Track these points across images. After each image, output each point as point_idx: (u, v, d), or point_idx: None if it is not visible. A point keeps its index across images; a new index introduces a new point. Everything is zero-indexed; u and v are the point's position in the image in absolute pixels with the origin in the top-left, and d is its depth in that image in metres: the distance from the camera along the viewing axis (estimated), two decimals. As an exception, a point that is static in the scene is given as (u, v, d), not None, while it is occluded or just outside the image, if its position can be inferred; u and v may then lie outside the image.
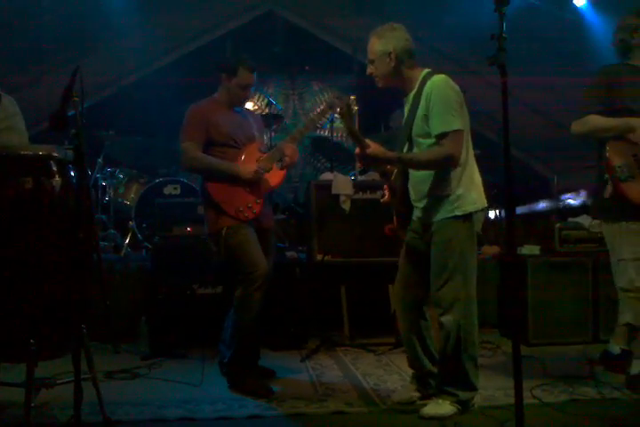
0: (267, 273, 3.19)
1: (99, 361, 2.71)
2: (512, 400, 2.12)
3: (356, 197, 4.37)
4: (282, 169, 3.37)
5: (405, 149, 2.91)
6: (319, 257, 4.25)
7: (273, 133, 5.60)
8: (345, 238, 4.30)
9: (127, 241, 5.03)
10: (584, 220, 4.40)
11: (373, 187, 4.45)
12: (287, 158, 3.32)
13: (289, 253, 4.63)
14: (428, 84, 2.77)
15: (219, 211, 3.23)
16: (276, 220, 5.10)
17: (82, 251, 2.36)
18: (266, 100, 6.58)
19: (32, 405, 2.38)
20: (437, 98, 2.72)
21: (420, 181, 2.89)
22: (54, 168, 2.36)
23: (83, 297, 2.41)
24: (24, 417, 2.36)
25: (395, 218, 3.05)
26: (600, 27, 5.54)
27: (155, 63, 6.56)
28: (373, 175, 5.16)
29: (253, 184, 3.28)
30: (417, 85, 2.84)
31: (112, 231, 5.22)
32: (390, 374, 3.50)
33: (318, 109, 3.56)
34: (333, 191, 4.35)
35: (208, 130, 3.25)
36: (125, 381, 3.36)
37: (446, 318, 2.78)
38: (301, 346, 4.10)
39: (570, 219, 4.51)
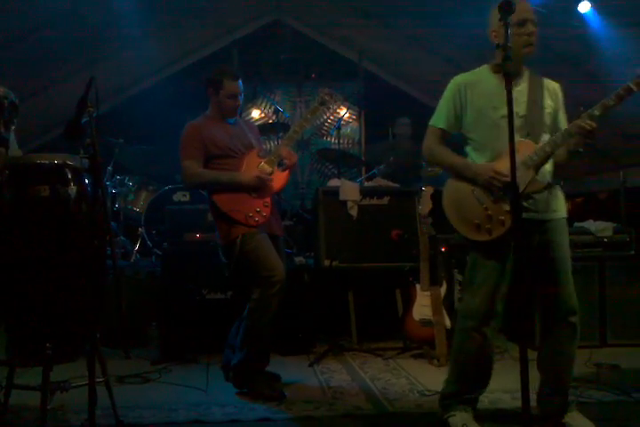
0: (284, 278, 3.21)
1: (110, 366, 2.74)
2: (519, 403, 2.15)
3: (364, 202, 4.42)
4: (284, 171, 3.41)
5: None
6: (327, 263, 4.30)
7: (280, 141, 5.65)
8: (352, 244, 4.35)
9: (137, 248, 5.09)
10: (590, 225, 4.43)
11: (380, 193, 4.50)
12: (287, 161, 3.38)
13: (297, 259, 4.67)
14: (547, 81, 2.72)
15: (229, 221, 3.26)
16: (284, 226, 5.14)
17: (96, 257, 2.41)
18: (273, 108, 6.63)
19: (47, 408, 2.42)
20: (562, 97, 2.75)
21: (550, 168, 2.69)
22: (69, 176, 2.42)
23: (97, 303, 2.46)
24: (40, 420, 2.39)
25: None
26: (604, 33, 5.58)
27: (163, 72, 6.65)
28: (380, 181, 5.21)
29: (258, 189, 3.32)
30: (526, 73, 2.71)
31: (122, 238, 5.27)
32: (398, 378, 3.54)
33: (310, 107, 3.56)
34: (341, 197, 4.40)
35: (206, 145, 3.32)
36: (137, 385, 3.41)
37: (576, 319, 2.68)
38: (310, 351, 4.14)
39: (576, 224, 4.53)
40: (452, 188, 2.74)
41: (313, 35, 6.84)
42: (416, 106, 6.56)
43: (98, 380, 2.49)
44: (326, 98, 3.47)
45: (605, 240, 4.34)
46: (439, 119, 2.75)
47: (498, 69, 2.65)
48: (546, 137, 2.63)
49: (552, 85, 2.75)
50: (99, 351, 2.55)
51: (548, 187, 2.61)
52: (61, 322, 2.44)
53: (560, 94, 2.75)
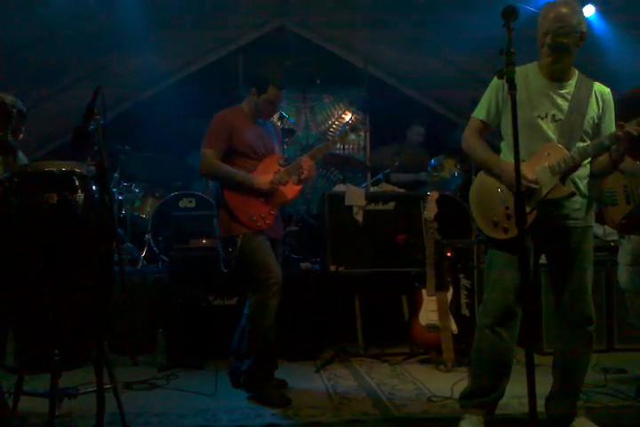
0: (281, 281, 3.24)
1: (117, 372, 2.74)
2: (526, 409, 2.15)
3: (369, 208, 4.42)
4: (298, 183, 3.40)
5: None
6: (333, 268, 4.30)
7: (285, 147, 5.66)
8: (358, 249, 4.34)
9: (143, 254, 5.11)
10: (597, 228, 4.41)
11: (385, 198, 4.50)
12: (305, 172, 3.35)
13: (303, 265, 4.68)
14: (598, 85, 2.65)
15: (232, 217, 3.29)
16: (290, 231, 5.15)
17: (104, 264, 2.42)
18: (279, 114, 6.64)
19: (55, 414, 2.42)
20: (611, 103, 2.67)
21: (584, 176, 2.66)
22: (77, 183, 2.43)
23: (104, 309, 2.47)
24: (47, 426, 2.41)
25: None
26: (609, 37, 5.59)
27: (168, 79, 6.66)
28: (385, 186, 5.22)
29: (269, 195, 3.34)
30: (575, 77, 2.64)
31: (128, 245, 5.29)
32: (405, 384, 3.53)
33: (340, 133, 3.60)
34: (346, 203, 4.40)
35: (231, 138, 3.32)
36: (144, 391, 3.41)
37: (592, 329, 2.70)
38: (316, 356, 4.14)
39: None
40: (480, 182, 2.75)
41: (317, 40, 6.86)
42: (420, 111, 6.56)
43: (106, 386, 2.51)
44: (359, 126, 3.55)
45: (612, 244, 4.32)
46: (480, 111, 2.73)
47: (543, 70, 2.64)
48: (581, 144, 2.57)
49: (601, 90, 2.66)
50: (106, 358, 2.56)
51: (573, 195, 2.56)
52: (69, 329, 2.45)
53: (609, 100, 2.66)
